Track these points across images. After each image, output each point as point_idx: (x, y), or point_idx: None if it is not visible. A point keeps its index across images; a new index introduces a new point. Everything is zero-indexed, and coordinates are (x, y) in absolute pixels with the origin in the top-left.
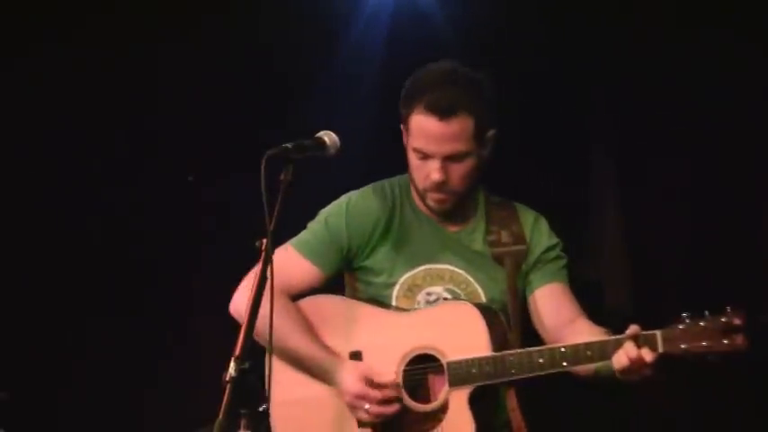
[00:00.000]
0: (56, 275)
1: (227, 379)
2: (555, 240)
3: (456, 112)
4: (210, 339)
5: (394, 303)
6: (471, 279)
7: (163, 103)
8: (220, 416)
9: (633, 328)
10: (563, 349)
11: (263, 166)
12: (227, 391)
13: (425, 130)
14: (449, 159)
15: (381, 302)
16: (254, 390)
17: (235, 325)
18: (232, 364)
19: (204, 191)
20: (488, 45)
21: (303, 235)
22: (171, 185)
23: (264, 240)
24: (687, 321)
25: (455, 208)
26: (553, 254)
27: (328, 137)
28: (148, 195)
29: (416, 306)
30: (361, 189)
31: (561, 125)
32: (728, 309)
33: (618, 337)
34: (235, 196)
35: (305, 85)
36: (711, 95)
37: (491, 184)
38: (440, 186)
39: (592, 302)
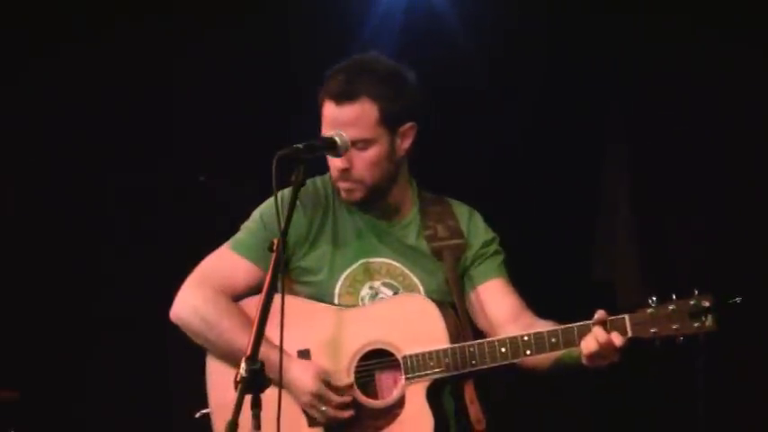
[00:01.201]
0: (62, 274)
1: (238, 379)
2: (492, 234)
3: (353, 97)
4: None
5: (337, 301)
6: (408, 272)
7: (173, 103)
8: (231, 415)
9: (600, 313)
10: (526, 338)
11: (274, 167)
12: (237, 391)
13: (326, 117)
14: (351, 146)
15: (324, 301)
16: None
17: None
18: (243, 365)
19: (215, 191)
20: (501, 43)
21: (239, 235)
22: (183, 185)
23: (276, 241)
24: (655, 305)
25: (381, 200)
26: (492, 248)
27: (339, 137)
28: (160, 194)
29: (361, 302)
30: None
31: (574, 125)
32: (696, 291)
33: (585, 322)
34: (245, 196)
35: (317, 85)
36: (726, 95)
37: (503, 183)
38: (344, 174)
39: (603, 303)
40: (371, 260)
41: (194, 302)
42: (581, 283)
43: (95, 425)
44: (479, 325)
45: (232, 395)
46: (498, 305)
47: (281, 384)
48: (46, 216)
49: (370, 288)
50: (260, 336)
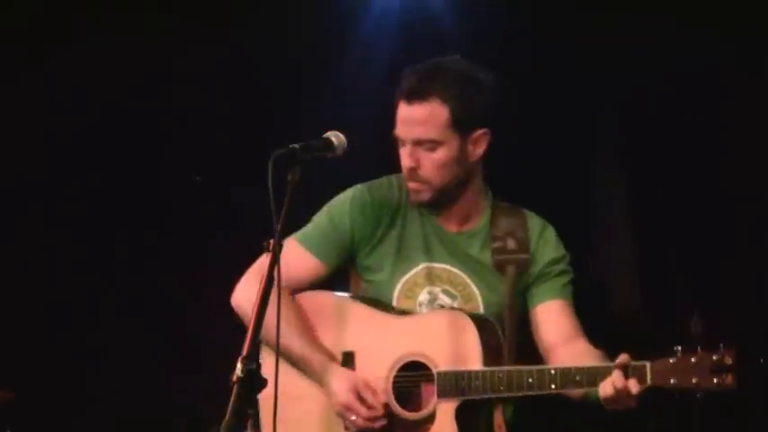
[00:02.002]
0: (60, 274)
1: (234, 379)
2: (561, 252)
3: (424, 97)
4: (218, 340)
5: (395, 303)
6: (469, 282)
7: (168, 103)
8: (227, 416)
9: (623, 357)
10: (552, 371)
11: (270, 167)
12: (233, 392)
13: (399, 115)
14: (419, 146)
15: (382, 302)
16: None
17: (241, 324)
18: (239, 365)
19: (212, 191)
20: (497, 45)
21: (306, 228)
22: (180, 186)
23: (272, 241)
24: (678, 355)
25: (450, 205)
26: (558, 268)
27: (336, 137)
28: (157, 195)
29: (418, 307)
30: (368, 182)
31: (569, 126)
32: (721, 346)
33: (608, 364)
34: (243, 197)
35: (313, 85)
36: (721, 97)
37: (499, 184)
38: (412, 174)
39: (598, 304)
40: (434, 265)
41: (249, 292)
42: (577, 283)
43: (91, 425)
44: (536, 343)
45: (283, 387)
46: (552, 328)
47: (276, 385)
48: (41, 216)
49: (429, 293)
50: (256, 335)
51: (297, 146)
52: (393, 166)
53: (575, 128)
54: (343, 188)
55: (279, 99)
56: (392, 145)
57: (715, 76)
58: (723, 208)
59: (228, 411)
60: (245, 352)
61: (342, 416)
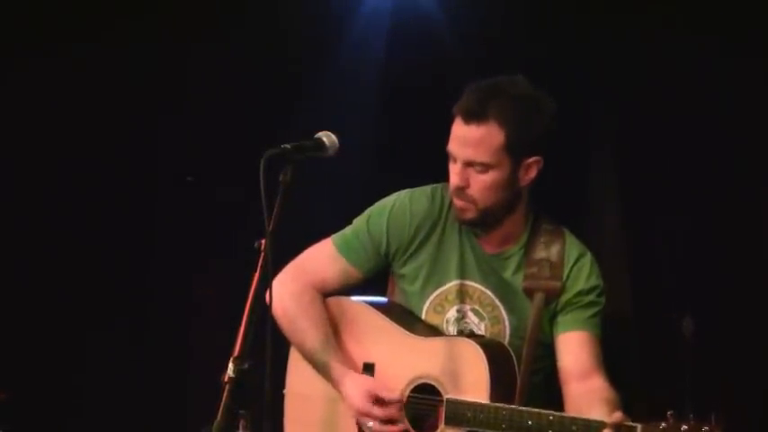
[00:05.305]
0: (56, 276)
1: (226, 379)
2: (593, 283)
3: (481, 118)
4: (210, 340)
5: (423, 316)
6: (498, 304)
7: (161, 104)
8: (219, 416)
9: (617, 416)
10: (551, 417)
11: (261, 167)
12: (225, 392)
13: (453, 132)
14: (470, 166)
15: (408, 317)
16: (255, 389)
17: (234, 325)
18: (231, 365)
19: (204, 192)
20: (488, 45)
21: (345, 231)
22: (172, 187)
23: (263, 241)
24: (670, 421)
25: (493, 228)
26: (587, 298)
27: (327, 137)
28: (150, 196)
29: (444, 323)
30: (413, 190)
31: (561, 127)
32: (713, 417)
33: (602, 420)
34: (235, 197)
35: (304, 86)
36: (715, 97)
37: None
38: (459, 192)
39: None
40: (466, 283)
41: (281, 295)
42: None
43: (85, 425)
44: (559, 373)
45: (306, 387)
46: (569, 360)
47: (270, 387)
48: (37, 216)
49: (458, 311)
50: (247, 335)
51: (288, 146)
52: (392, 166)
53: (568, 128)
54: (335, 188)
55: (271, 99)
56: (396, 146)
57: (714, 76)
58: (716, 208)
59: (220, 411)
60: (236, 352)
61: (360, 422)
